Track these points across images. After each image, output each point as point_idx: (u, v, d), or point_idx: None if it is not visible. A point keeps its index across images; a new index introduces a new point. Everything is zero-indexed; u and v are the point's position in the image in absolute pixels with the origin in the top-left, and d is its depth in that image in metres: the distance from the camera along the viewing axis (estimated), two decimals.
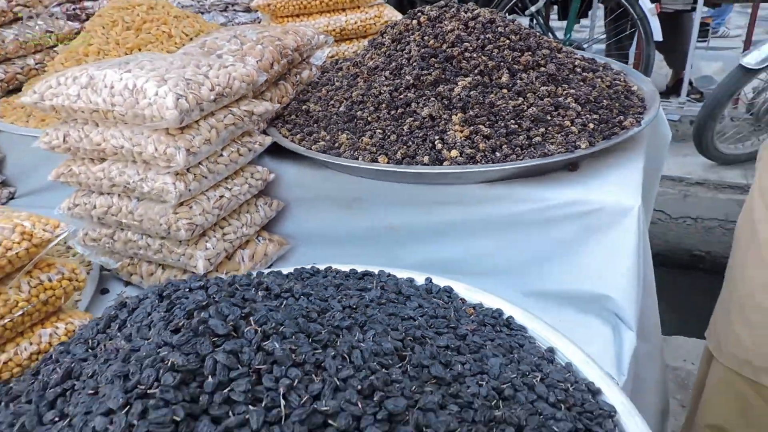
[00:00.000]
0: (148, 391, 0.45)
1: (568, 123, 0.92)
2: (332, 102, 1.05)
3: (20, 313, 0.71)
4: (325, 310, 0.62)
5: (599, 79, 1.06)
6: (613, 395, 0.64)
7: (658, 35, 2.81)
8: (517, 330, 0.75)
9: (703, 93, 3.32)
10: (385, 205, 0.99)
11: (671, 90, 3.45)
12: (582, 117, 0.94)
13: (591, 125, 0.92)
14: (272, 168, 1.04)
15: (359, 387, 0.49)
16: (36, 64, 1.46)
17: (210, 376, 0.46)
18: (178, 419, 0.44)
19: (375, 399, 0.49)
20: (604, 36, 3.35)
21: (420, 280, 0.81)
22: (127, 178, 0.89)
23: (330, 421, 0.46)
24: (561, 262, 0.89)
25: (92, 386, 0.50)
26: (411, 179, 0.93)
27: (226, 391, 0.46)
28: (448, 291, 0.80)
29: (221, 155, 0.93)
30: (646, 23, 2.80)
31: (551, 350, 0.71)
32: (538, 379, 0.64)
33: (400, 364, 0.56)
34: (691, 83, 3.26)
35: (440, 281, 0.82)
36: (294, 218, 1.09)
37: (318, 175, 1.04)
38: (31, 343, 0.74)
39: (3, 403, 0.57)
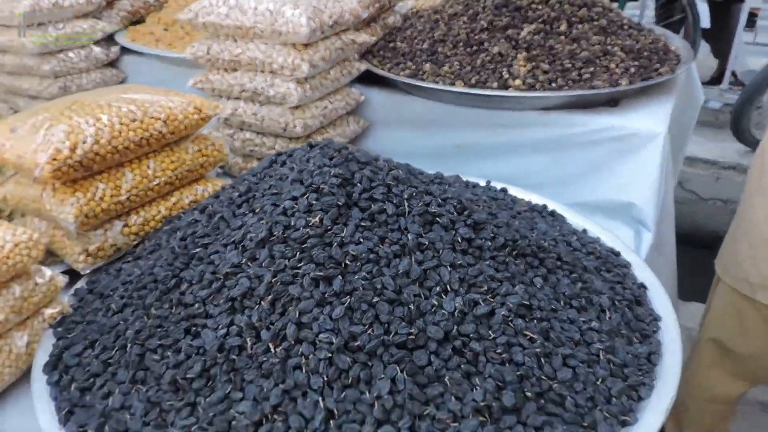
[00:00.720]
0: (320, 187, 0.68)
1: (613, 66, 1.12)
2: (416, 41, 1.27)
3: (187, 169, 0.96)
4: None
5: (643, 36, 1.25)
6: (630, 256, 0.86)
7: (705, 22, 2.92)
8: (559, 217, 0.97)
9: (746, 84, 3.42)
10: (455, 128, 1.21)
11: (715, 81, 3.56)
12: (625, 62, 1.14)
13: (632, 69, 1.12)
14: (362, 92, 1.27)
15: (456, 205, 0.71)
16: (154, 0, 1.71)
17: (358, 183, 0.70)
18: (339, 204, 0.67)
19: (465, 213, 0.71)
20: (653, 20, 3.47)
21: (482, 184, 1.02)
22: (256, 85, 1.12)
23: (438, 219, 0.69)
24: (597, 176, 1.10)
25: (272, 192, 0.74)
26: (480, 103, 1.14)
27: (368, 192, 0.69)
28: (504, 190, 1.02)
29: (329, 73, 1.16)
30: (694, 9, 2.92)
31: (584, 230, 0.93)
32: (575, 238, 0.86)
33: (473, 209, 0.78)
34: (736, 76, 3.36)
35: (498, 185, 1.03)
36: (375, 136, 1.32)
37: (399, 100, 1.26)
38: (189, 194, 0.98)
39: (197, 211, 0.81)
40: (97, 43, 1.54)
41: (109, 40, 1.59)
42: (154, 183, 0.91)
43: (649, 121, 1.07)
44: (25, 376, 0.73)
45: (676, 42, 1.34)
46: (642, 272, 0.83)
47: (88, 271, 0.85)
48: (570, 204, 1.04)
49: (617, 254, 0.86)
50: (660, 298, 0.77)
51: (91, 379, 0.64)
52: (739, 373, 1.30)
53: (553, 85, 1.09)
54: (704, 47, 3.51)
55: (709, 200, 3.12)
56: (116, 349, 0.66)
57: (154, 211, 0.92)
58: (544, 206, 0.98)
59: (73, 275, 0.83)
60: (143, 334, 0.65)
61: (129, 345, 0.65)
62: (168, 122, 0.91)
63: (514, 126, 1.15)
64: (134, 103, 0.89)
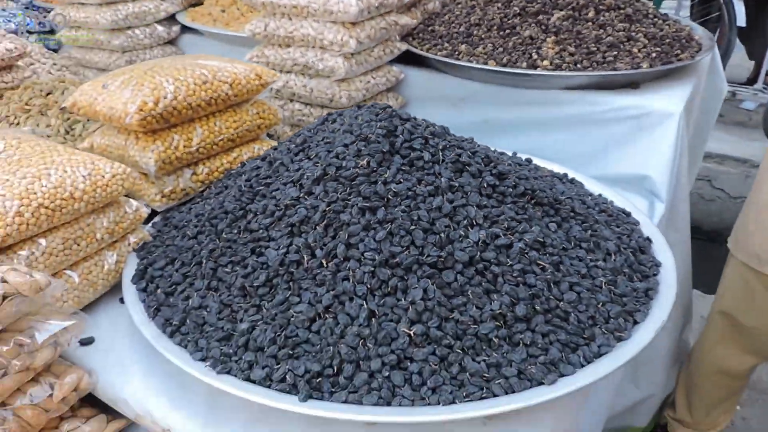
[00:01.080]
0: (367, 137, 0.80)
1: (635, 50, 1.22)
2: (453, 24, 1.37)
3: (246, 128, 1.09)
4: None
5: (667, 26, 1.34)
6: (639, 216, 0.95)
7: (741, 20, 2.95)
8: (577, 183, 1.07)
9: None
10: (484, 105, 1.32)
11: (750, 81, 3.57)
12: (647, 48, 1.23)
13: (654, 54, 1.21)
14: (402, 71, 1.38)
15: (483, 158, 0.82)
16: None
17: (400, 135, 0.81)
18: (384, 150, 0.79)
19: (491, 165, 0.82)
20: (688, 17, 3.50)
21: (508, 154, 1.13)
22: (307, 59, 1.25)
23: (467, 168, 0.80)
24: (615, 152, 1.19)
25: (325, 142, 0.86)
26: (509, 81, 1.25)
27: (409, 143, 0.80)
28: (529, 160, 1.12)
29: (373, 51, 1.28)
30: (730, 8, 2.95)
31: (599, 195, 1.02)
32: (589, 198, 0.96)
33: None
34: None
35: (522, 156, 1.14)
36: (411, 112, 1.42)
37: (435, 79, 1.37)
38: (247, 151, 1.11)
39: (259, 160, 0.94)
40: (159, 22, 1.69)
41: (170, 19, 1.74)
42: (219, 138, 1.04)
43: (666, 102, 1.15)
44: (113, 289, 0.87)
45: (699, 32, 1.42)
46: (648, 229, 0.92)
47: (162, 210, 0.98)
48: (592, 176, 1.14)
49: (628, 214, 0.95)
50: (663, 251, 0.86)
51: (173, 286, 0.77)
52: (748, 348, 1.37)
53: (578, 66, 1.19)
54: (741, 49, 3.53)
55: (737, 198, 3.14)
56: (193, 264, 0.79)
57: (217, 163, 1.05)
58: (565, 174, 1.08)
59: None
60: (216, 253, 0.78)
61: (204, 261, 0.78)
62: (233, 85, 1.04)
63: (540, 104, 1.25)
64: (205, 68, 1.02)
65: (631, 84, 1.23)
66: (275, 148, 0.95)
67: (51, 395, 0.70)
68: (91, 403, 0.78)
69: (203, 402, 0.69)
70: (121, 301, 0.86)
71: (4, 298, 0.62)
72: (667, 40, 1.27)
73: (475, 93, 1.32)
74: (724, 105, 3.29)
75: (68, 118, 1.18)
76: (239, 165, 1.01)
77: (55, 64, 1.57)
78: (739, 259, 1.30)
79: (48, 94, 1.23)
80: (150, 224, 0.95)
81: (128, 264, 0.86)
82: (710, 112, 1.56)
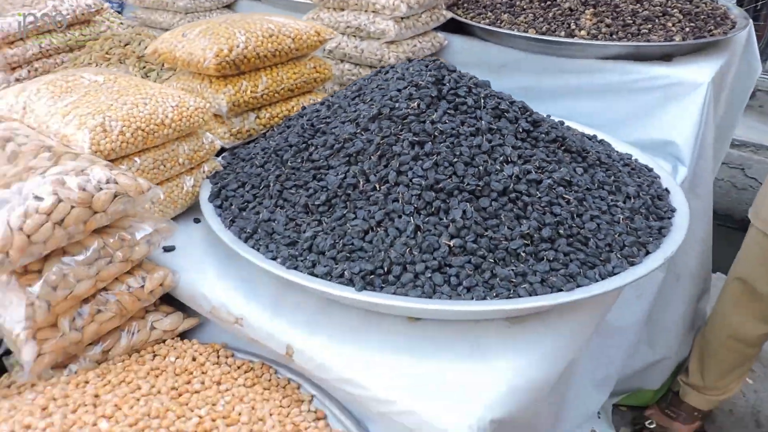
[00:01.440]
0: (418, 83, 0.91)
1: (670, 24, 1.29)
2: None
3: (304, 80, 1.20)
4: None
5: (703, 4, 1.40)
6: (660, 172, 1.04)
7: None
8: (605, 143, 1.15)
9: None
10: (522, 72, 1.40)
11: None
12: (682, 23, 1.30)
13: (687, 29, 1.28)
14: (446, 37, 1.48)
15: (520, 107, 0.92)
16: None
17: (447, 83, 0.91)
18: (432, 95, 0.89)
19: (527, 113, 0.92)
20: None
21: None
22: (359, 21, 1.35)
23: (505, 114, 0.90)
24: (644, 119, 1.27)
25: (380, 88, 0.97)
26: (547, 50, 1.33)
27: (454, 90, 0.91)
28: (562, 122, 1.21)
29: (420, 17, 1.37)
30: None
31: (625, 153, 1.11)
32: (615, 153, 1.05)
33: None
34: None
35: (556, 118, 1.22)
36: None
37: (477, 47, 1.46)
38: (304, 101, 1.23)
39: (318, 104, 1.05)
40: None
41: None
42: (280, 87, 1.16)
43: (695, 73, 1.23)
44: (187, 211, 1.00)
45: (735, 11, 1.47)
46: (668, 182, 1.01)
47: (229, 147, 1.11)
48: (622, 141, 1.22)
49: (650, 169, 1.04)
50: (679, 201, 0.95)
51: (245, 204, 0.90)
52: (762, 315, 1.44)
53: (614, 37, 1.27)
54: None
55: None
56: (261, 187, 0.92)
57: (277, 110, 1.17)
58: (594, 135, 1.17)
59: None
60: (281, 178, 0.90)
61: (271, 184, 0.90)
62: (295, 40, 1.15)
63: (576, 72, 1.33)
64: (272, 23, 1.14)
65: (664, 57, 1.30)
66: (332, 95, 1.07)
67: (143, 287, 0.83)
68: (169, 303, 0.92)
69: (271, 297, 0.82)
70: (196, 221, 0.99)
71: (115, 196, 0.75)
72: (702, 17, 1.33)
73: (514, 61, 1.40)
74: (762, 95, 3.28)
75: (144, 66, 1.31)
76: (300, 109, 1.13)
77: (121, 23, 1.71)
78: (756, 227, 1.37)
79: (126, 44, 1.36)
80: (220, 158, 1.08)
81: (203, 189, 0.98)
82: (743, 91, 1.61)
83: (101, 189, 0.73)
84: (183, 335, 0.90)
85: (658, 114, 1.26)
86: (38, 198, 0.69)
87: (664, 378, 1.69)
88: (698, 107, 1.21)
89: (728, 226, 2.78)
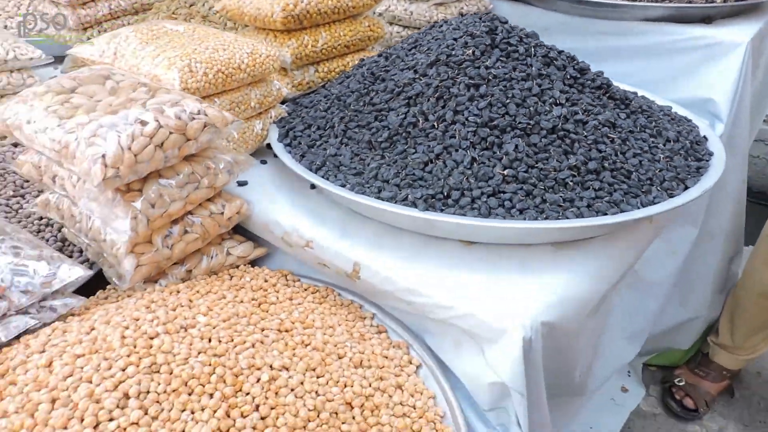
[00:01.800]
0: (473, 33, 0.98)
1: None
2: None
3: (359, 38, 1.28)
4: None
5: None
6: (699, 122, 1.09)
7: None
8: (647, 98, 1.21)
9: None
10: (565, 34, 1.46)
11: None
12: None
13: None
14: (491, 1, 1.54)
15: (567, 56, 0.99)
16: None
17: (500, 33, 0.98)
18: (486, 44, 0.96)
19: (574, 62, 0.99)
20: None
21: None
22: None
23: (554, 62, 0.96)
24: (684, 79, 1.32)
25: (436, 39, 1.04)
26: (591, 12, 1.39)
27: (507, 39, 0.98)
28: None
29: None
30: None
31: (668, 106, 1.17)
32: (655, 105, 1.11)
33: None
34: None
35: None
36: None
37: (521, 9, 1.53)
38: (357, 58, 1.30)
39: (376, 56, 1.13)
40: None
41: None
42: (338, 43, 1.24)
43: (735, 34, 1.27)
44: (255, 154, 1.09)
45: None
46: (705, 131, 1.06)
47: (290, 97, 1.20)
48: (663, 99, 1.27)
49: (689, 120, 1.10)
50: (716, 147, 1.01)
51: (312, 142, 0.98)
52: None
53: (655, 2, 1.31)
54: None
55: None
56: (326, 128, 1.00)
57: (335, 65, 1.26)
58: (635, 92, 1.23)
59: None
60: (345, 119, 0.99)
61: (336, 125, 0.99)
62: None
63: (618, 34, 1.38)
64: None
65: (704, 19, 1.34)
66: (389, 48, 1.14)
67: (222, 213, 0.93)
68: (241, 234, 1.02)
69: (338, 223, 0.91)
70: (263, 162, 1.08)
71: (205, 126, 0.84)
72: None
73: (558, 23, 1.46)
74: None
75: (208, 25, 1.40)
76: (358, 61, 1.21)
77: None
78: None
79: (191, 5, 1.45)
80: (285, 105, 1.17)
81: (271, 132, 1.07)
82: None
83: (194, 119, 0.83)
84: (253, 264, 1.00)
85: (697, 74, 1.31)
86: (143, 123, 0.79)
87: (694, 338, 1.75)
88: (737, 66, 1.25)
89: (762, 203, 2.78)
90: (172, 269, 0.92)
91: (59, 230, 1.02)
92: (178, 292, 0.86)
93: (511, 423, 0.75)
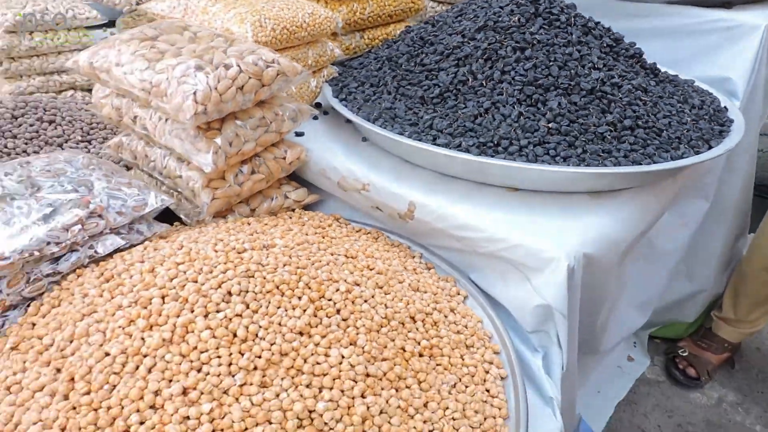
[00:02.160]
0: (518, 2, 1.06)
1: None
2: None
3: (401, 8, 1.36)
4: None
5: None
6: (718, 94, 1.18)
7: None
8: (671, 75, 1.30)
9: None
10: (594, 16, 1.54)
11: None
12: None
13: None
14: None
15: (604, 27, 1.08)
16: None
17: (542, 3, 1.07)
18: (530, 12, 1.05)
19: (610, 32, 1.07)
20: None
21: None
22: None
23: (592, 31, 1.05)
24: (703, 59, 1.41)
25: (481, 7, 1.12)
26: None
27: (549, 9, 1.06)
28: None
29: None
30: None
31: (691, 80, 1.25)
32: (680, 78, 1.20)
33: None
34: None
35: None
36: None
37: None
38: (400, 28, 1.39)
39: (422, 23, 1.21)
40: None
41: None
42: (383, 12, 1.32)
43: (753, 17, 1.36)
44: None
45: None
46: (726, 103, 1.15)
47: (339, 60, 1.28)
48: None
49: (710, 93, 1.19)
50: (735, 115, 1.10)
51: (367, 97, 1.07)
52: None
53: None
54: None
55: None
56: (380, 85, 1.09)
57: (378, 33, 1.34)
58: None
59: None
60: (398, 77, 1.07)
61: (389, 82, 1.07)
62: None
63: (641, 15, 1.47)
64: None
65: (725, 3, 1.43)
66: (435, 16, 1.23)
67: (284, 158, 1.02)
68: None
69: (392, 169, 0.99)
70: (314, 118, 1.17)
71: (278, 74, 0.93)
72: None
73: (587, 5, 1.53)
74: None
75: None
76: (404, 28, 1.29)
77: None
78: None
79: None
80: (335, 67, 1.26)
81: (324, 90, 1.16)
82: None
83: (269, 66, 0.91)
84: (306, 209, 1.09)
85: (717, 54, 1.40)
86: (227, 66, 0.87)
87: (699, 311, 1.84)
88: (755, 47, 1.34)
89: (764, 196, 2.87)
90: (239, 207, 1.00)
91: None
92: (249, 224, 0.94)
93: (552, 344, 0.84)
